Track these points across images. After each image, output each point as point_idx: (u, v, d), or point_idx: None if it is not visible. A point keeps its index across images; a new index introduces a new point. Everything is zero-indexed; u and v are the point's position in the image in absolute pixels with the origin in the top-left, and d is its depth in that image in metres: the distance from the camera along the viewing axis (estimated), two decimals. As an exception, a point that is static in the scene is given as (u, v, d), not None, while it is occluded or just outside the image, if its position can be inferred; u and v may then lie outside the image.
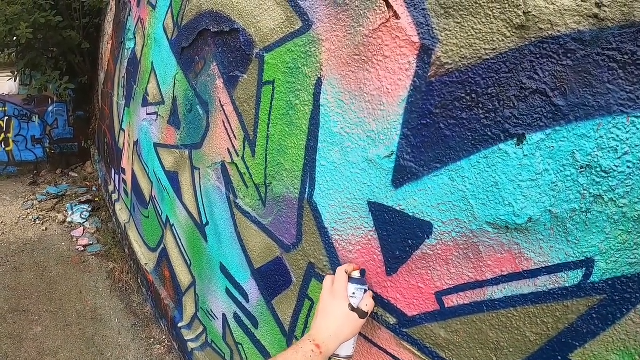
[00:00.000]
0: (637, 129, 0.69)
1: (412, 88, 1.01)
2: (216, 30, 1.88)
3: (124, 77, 4.04)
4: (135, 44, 3.57)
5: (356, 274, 1.17)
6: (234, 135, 1.80)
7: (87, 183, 6.97)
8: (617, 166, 0.71)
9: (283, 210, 1.55)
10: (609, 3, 0.70)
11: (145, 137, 3.24)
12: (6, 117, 7.24)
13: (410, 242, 1.08)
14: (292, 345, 1.09)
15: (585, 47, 0.73)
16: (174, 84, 2.50)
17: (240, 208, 1.83)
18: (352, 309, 1.10)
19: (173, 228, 2.85)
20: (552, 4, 0.76)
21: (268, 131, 1.55)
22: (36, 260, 4.64)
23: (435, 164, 0.99)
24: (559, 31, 0.76)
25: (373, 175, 1.15)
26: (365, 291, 1.15)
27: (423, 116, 1.00)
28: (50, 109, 7.55)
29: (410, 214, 1.06)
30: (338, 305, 1.10)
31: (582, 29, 0.73)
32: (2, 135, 7.33)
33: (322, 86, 1.28)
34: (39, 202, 6.28)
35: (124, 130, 4.18)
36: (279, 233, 1.60)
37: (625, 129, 0.70)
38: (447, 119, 0.95)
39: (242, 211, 1.83)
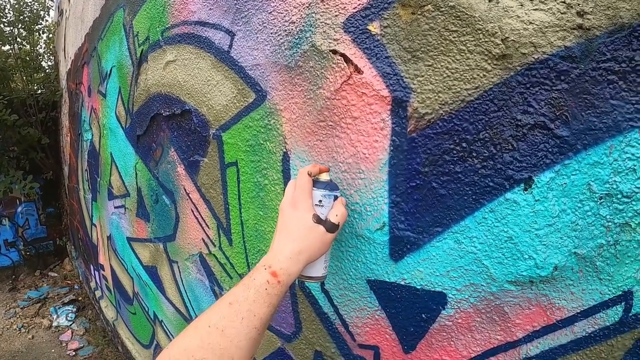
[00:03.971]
0: (653, 140, 0.62)
1: (392, 148, 0.90)
2: (168, 113, 1.76)
3: (86, 170, 3.91)
4: (92, 135, 3.47)
5: (324, 177, 0.93)
6: (207, 224, 1.65)
7: (68, 282, 6.67)
8: (639, 187, 0.65)
9: (275, 299, 1.38)
10: (591, 9, 0.64)
11: (117, 231, 3.08)
12: (-25, 223, 6.96)
13: (424, 315, 0.96)
14: (244, 276, 0.83)
15: (577, 64, 0.66)
16: (136, 174, 2.36)
17: None
18: (318, 220, 0.86)
19: (163, 324, 2.64)
20: (530, 23, 0.69)
21: (241, 217, 1.41)
22: (27, 374, 4.29)
23: (436, 228, 0.88)
24: (544, 52, 0.69)
25: (367, 252, 1.02)
26: (336, 197, 0.92)
27: (411, 178, 0.89)
28: (19, 209, 7.29)
29: (418, 287, 0.94)
30: (299, 218, 0.86)
31: (570, 44, 0.66)
32: (-27, 242, 7.02)
33: (290, 161, 1.15)
34: (21, 308, 5.94)
35: (95, 225, 4.00)
36: (275, 323, 1.44)
37: (640, 144, 0.63)
38: (440, 176, 0.85)
39: None
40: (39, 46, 6.88)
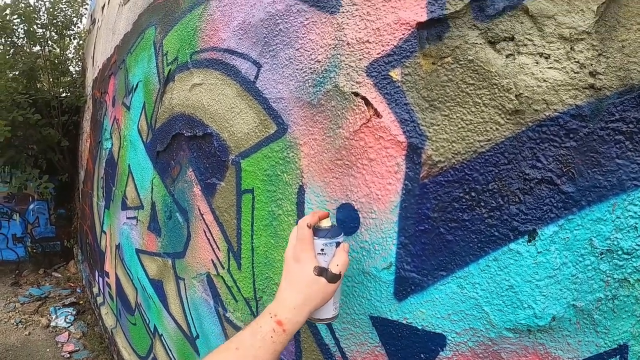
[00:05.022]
0: (654, 200, 0.64)
1: (404, 192, 0.93)
2: (189, 134, 1.81)
3: (102, 177, 3.97)
4: (112, 145, 3.53)
5: (325, 223, 0.92)
6: (217, 246, 1.67)
7: (71, 284, 6.68)
8: (639, 245, 0.66)
9: (278, 327, 1.39)
10: (603, 70, 0.66)
11: (127, 242, 3.11)
12: (-14, 215, 7.04)
13: (422, 355, 0.96)
14: (251, 322, 0.86)
15: (586, 123, 0.68)
16: (152, 188, 2.40)
17: (231, 322, 1.68)
18: (320, 272, 0.87)
19: (162, 338, 2.65)
20: (544, 81, 0.71)
21: (252, 243, 1.44)
22: (19, 370, 4.28)
23: (441, 272, 0.89)
24: (556, 110, 0.71)
25: (372, 289, 1.03)
26: (338, 244, 0.92)
27: (420, 222, 0.91)
28: (31, 207, 7.38)
29: (419, 327, 0.95)
30: (301, 270, 0.88)
31: (580, 104, 0.68)
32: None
33: (305, 194, 1.18)
34: (21, 304, 5.95)
35: (105, 233, 4.04)
36: (276, 351, 1.44)
37: (642, 202, 0.65)
38: (448, 222, 0.86)
39: (233, 326, 1.67)
40: (68, 51, 7.07)
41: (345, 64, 1.03)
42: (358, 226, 1.04)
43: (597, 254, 0.70)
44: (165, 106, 2.10)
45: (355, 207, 1.04)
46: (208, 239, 1.74)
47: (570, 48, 0.69)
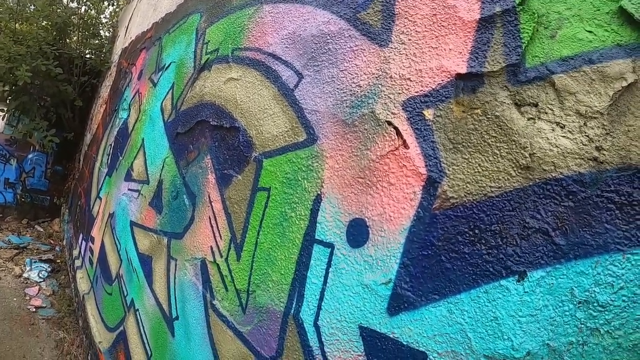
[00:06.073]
0: (632, 265, 0.72)
1: (415, 218, 1.02)
2: (215, 124, 1.87)
3: (111, 145, 3.99)
4: (128, 115, 3.56)
5: None
6: (220, 235, 1.73)
7: (52, 241, 6.64)
8: (613, 300, 0.73)
9: (264, 322, 1.45)
10: (608, 147, 0.76)
11: (122, 212, 3.13)
12: (-15, 152, 7.01)
13: None
14: None
15: (585, 189, 0.78)
16: (163, 166, 2.45)
17: (217, 310, 1.71)
18: None
19: (137, 313, 2.65)
20: (556, 146, 0.81)
21: (257, 238, 1.50)
22: (-19, 312, 4.24)
23: (434, 295, 0.97)
24: (561, 173, 0.81)
25: (367, 300, 1.10)
26: None
27: (424, 247, 0.99)
28: (30, 156, 7.37)
29: (404, 343, 1.02)
30: None
31: (583, 171, 0.78)
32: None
33: (321, 203, 1.25)
34: (-2, 247, 5.92)
35: (100, 199, 4.05)
36: (257, 344, 1.49)
37: (621, 265, 0.74)
38: (449, 252, 0.95)
39: (218, 314, 1.71)
40: (103, 15, 7.10)
41: (385, 94, 1.13)
42: (366, 241, 1.12)
43: (575, 302, 0.77)
44: (196, 92, 2.16)
45: (367, 224, 1.11)
46: (212, 226, 1.79)
47: (584, 123, 0.79)
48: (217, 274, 1.72)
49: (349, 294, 1.15)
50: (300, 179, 1.34)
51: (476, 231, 0.91)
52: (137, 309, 2.64)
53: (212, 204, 1.82)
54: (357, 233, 1.14)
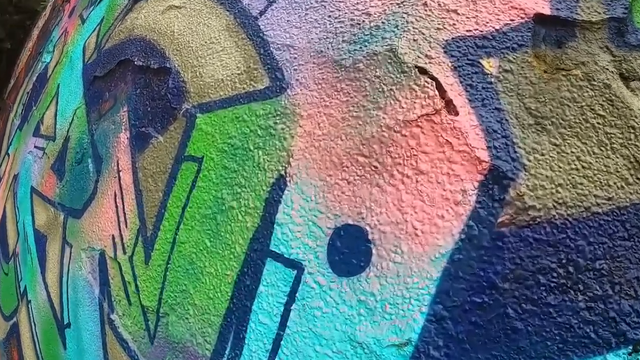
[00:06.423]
0: None
1: (463, 236, 0.67)
2: (141, 64, 1.42)
3: (28, 92, 3.45)
4: (51, 59, 3.07)
5: None
6: (125, 221, 1.27)
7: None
8: None
9: (178, 363, 1.01)
10: None
11: (26, 175, 2.64)
12: None
13: None
14: None
15: None
16: (72, 119, 1.95)
17: (115, 329, 1.27)
18: None
19: (30, 306, 2.19)
20: None
21: (176, 234, 1.05)
22: None
23: None
24: None
25: None
26: None
27: (478, 290, 0.66)
28: (-52, 104, 6.63)
29: None
30: None
31: None
32: None
33: (286, 191, 0.84)
34: None
35: (8, 155, 3.49)
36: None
37: None
38: (522, 302, 0.64)
39: (116, 334, 1.27)
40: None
41: (415, 28, 0.77)
42: (366, 266, 0.72)
43: None
44: (126, 26, 1.69)
45: (369, 236, 0.72)
46: (116, 206, 1.33)
47: None
48: (119, 277, 1.26)
49: (325, 352, 0.74)
50: (252, 147, 0.91)
51: (570, 269, 0.63)
52: (30, 301, 2.18)
53: (120, 173, 1.35)
54: (349, 250, 0.74)
